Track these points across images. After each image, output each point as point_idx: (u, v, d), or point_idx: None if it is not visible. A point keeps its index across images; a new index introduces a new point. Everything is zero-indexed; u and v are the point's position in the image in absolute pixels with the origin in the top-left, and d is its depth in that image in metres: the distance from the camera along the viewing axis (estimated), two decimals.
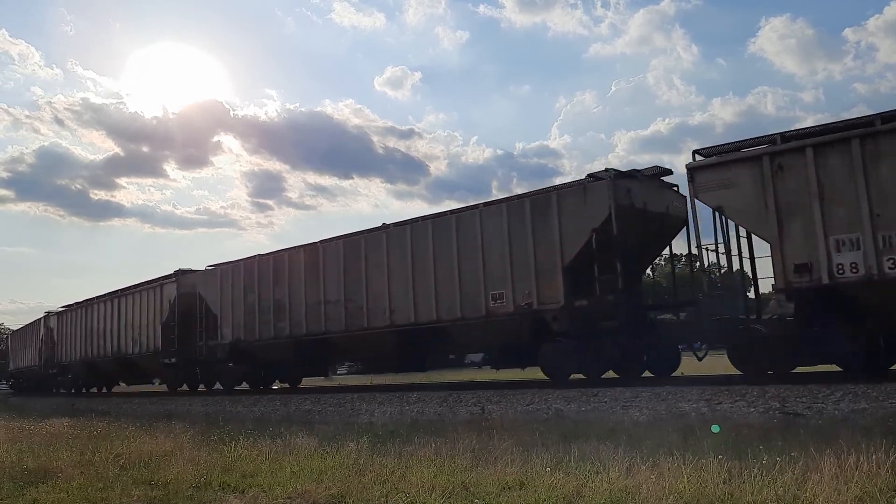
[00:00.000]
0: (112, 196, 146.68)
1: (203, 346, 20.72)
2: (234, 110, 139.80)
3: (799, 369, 11.39)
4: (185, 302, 21.99)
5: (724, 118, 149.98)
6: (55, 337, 32.04)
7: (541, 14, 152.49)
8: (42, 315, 35.15)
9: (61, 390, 32.35)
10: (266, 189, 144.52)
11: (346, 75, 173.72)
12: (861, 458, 5.08)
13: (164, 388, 27.25)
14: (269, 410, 15.69)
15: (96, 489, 6.49)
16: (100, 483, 6.73)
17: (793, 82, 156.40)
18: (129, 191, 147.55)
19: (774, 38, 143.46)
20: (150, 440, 9.75)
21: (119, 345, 25.50)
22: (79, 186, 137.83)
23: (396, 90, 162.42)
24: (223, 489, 6.31)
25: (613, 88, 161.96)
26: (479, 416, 10.95)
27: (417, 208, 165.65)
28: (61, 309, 32.07)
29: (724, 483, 4.99)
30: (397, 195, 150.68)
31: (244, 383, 21.06)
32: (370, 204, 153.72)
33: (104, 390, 30.81)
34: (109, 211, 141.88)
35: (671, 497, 4.75)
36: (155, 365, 23.61)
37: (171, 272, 23.06)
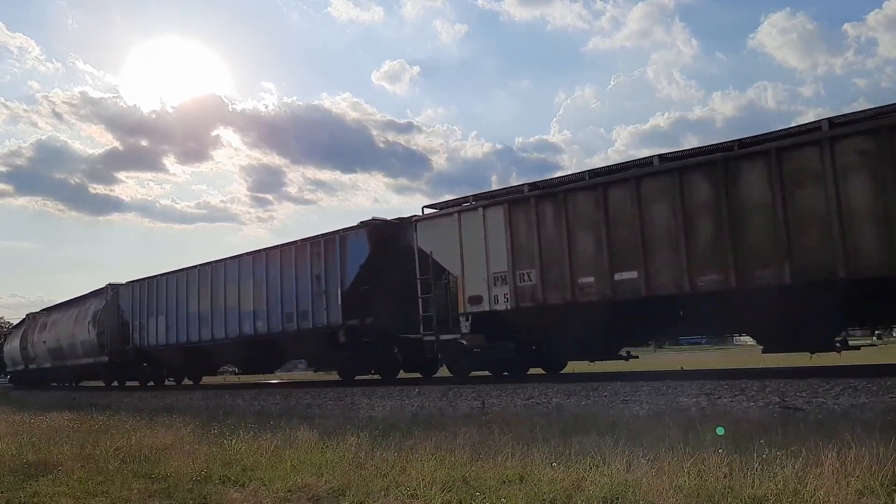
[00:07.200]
0: (111, 190, 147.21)
1: (431, 316, 14.95)
2: (232, 104, 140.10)
3: (800, 363, 11.35)
4: (377, 261, 16.66)
5: (724, 112, 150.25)
6: (129, 316, 24.82)
7: (540, 7, 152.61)
8: (100, 287, 26.97)
9: (128, 382, 26.79)
10: (265, 183, 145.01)
11: (343, 69, 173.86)
12: (862, 453, 5.08)
13: (296, 376, 22.32)
14: (270, 404, 15.70)
15: (96, 482, 6.51)
16: (100, 476, 6.75)
17: (793, 77, 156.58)
18: (129, 185, 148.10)
19: (775, 33, 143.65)
20: (150, 434, 9.75)
21: (253, 322, 19.40)
22: (77, 180, 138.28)
23: (394, 84, 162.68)
24: (223, 483, 6.32)
25: (613, 82, 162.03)
26: (479, 411, 10.96)
27: (417, 203, 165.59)
28: (138, 279, 25.05)
29: (725, 477, 4.99)
30: (398, 190, 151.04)
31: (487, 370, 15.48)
32: (370, 199, 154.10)
33: (186, 380, 25.00)
34: (109, 205, 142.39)
35: (671, 491, 4.75)
36: (320, 345, 18.26)
37: (358, 223, 17.27)
